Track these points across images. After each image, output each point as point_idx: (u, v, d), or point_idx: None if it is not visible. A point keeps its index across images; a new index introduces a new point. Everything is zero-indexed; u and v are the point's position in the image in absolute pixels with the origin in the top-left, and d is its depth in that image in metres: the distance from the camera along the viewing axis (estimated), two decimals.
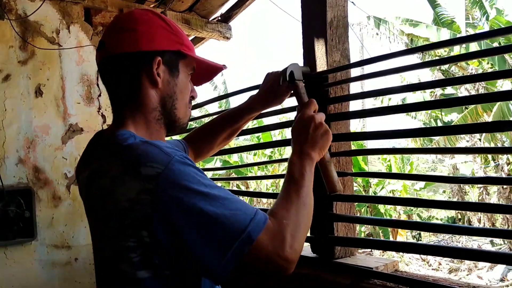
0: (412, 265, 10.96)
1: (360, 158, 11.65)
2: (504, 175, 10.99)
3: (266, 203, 13.96)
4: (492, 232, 1.32)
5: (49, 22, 2.89)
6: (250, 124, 11.91)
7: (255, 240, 0.88)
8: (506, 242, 11.13)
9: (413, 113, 13.23)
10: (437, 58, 10.58)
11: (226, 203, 0.90)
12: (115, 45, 1.03)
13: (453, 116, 12.41)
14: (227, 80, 17.61)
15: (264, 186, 14.56)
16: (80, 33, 3.03)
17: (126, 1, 3.26)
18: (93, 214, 1.04)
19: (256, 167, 13.82)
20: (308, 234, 1.84)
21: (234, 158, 13.97)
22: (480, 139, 11.01)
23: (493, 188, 12.52)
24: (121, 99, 1.08)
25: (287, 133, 13.68)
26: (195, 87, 1.21)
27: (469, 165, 13.25)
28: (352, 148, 1.86)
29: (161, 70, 1.05)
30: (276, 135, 13.70)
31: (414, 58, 12.77)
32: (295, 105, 1.79)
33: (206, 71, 1.22)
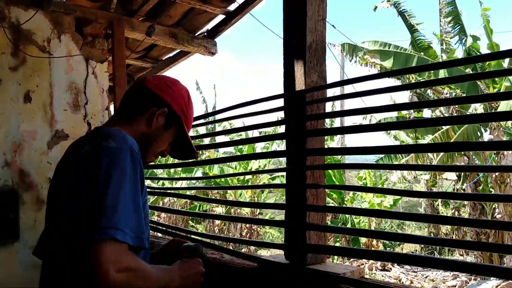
0: None
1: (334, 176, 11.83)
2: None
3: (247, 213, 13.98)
4: (462, 266, 1.45)
5: (41, 31, 2.99)
6: (235, 136, 12.02)
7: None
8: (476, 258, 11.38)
9: (394, 135, 13.58)
10: (412, 82, 10.92)
11: (116, 201, 1.09)
12: (152, 83, 1.45)
13: (428, 139, 12.75)
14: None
15: (244, 199, 14.64)
16: (70, 42, 3.14)
17: (116, 13, 3.39)
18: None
19: (235, 180, 13.93)
20: (282, 242, 1.97)
21: (215, 171, 14.06)
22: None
23: (465, 209, 12.84)
24: (124, 114, 1.43)
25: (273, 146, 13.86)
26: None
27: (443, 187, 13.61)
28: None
29: (160, 118, 1.42)
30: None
31: (392, 81, 13.10)
32: (280, 119, 1.94)
33: (185, 151, 1.59)
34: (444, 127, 10.95)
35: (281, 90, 2.04)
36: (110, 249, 1.03)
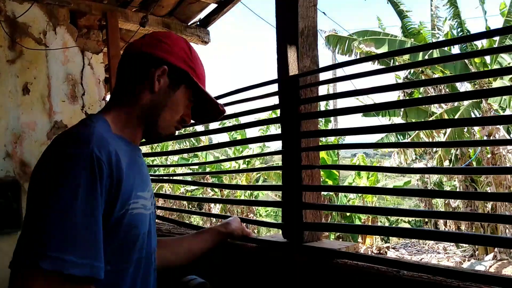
0: None
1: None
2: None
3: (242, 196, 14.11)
4: (457, 236, 1.53)
5: (37, 23, 3.04)
6: (231, 121, 12.12)
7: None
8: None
9: (389, 119, 13.70)
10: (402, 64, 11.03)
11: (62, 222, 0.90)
12: (142, 44, 1.19)
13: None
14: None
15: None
16: (66, 34, 3.18)
17: (110, 5, 3.42)
18: None
19: (229, 166, 14.04)
20: (280, 221, 2.05)
21: (209, 160, 14.14)
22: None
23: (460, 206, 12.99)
24: (121, 90, 1.20)
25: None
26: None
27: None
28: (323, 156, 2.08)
29: (163, 79, 1.17)
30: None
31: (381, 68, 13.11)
32: (275, 104, 2.01)
33: (209, 110, 1.34)
34: (438, 112, 11.05)
35: (273, 76, 2.10)
36: (39, 282, 0.87)
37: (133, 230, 1.09)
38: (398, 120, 13.38)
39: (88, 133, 1.01)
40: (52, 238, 0.88)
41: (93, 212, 0.95)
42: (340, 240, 12.05)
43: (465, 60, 10.40)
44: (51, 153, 1.00)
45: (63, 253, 0.87)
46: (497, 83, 9.69)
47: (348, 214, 13.37)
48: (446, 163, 12.29)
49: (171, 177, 3.12)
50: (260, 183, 16.41)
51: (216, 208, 15.19)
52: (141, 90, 1.16)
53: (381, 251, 12.14)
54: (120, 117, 1.16)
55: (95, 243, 0.94)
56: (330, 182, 14.22)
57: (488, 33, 1.45)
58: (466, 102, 10.58)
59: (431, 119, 11.16)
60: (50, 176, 0.94)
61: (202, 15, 4.05)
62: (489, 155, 10.46)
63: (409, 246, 13.27)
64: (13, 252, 0.91)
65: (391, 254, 12.01)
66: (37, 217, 0.91)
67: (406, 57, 11.20)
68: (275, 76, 2.08)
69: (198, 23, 4.08)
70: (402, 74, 12.07)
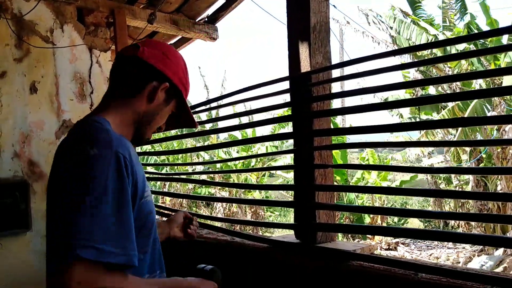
0: None
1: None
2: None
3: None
4: (468, 237, 1.49)
5: (44, 21, 3.01)
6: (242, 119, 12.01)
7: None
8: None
9: (397, 114, 13.56)
10: (411, 62, 10.85)
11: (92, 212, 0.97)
12: (148, 54, 1.27)
13: (432, 117, 12.69)
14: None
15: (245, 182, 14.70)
16: (73, 32, 3.15)
17: (117, 2, 3.39)
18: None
19: (240, 165, 13.97)
20: (292, 222, 2.01)
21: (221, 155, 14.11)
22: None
23: (468, 187, 12.88)
24: (118, 92, 1.27)
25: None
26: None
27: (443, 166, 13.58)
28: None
29: (161, 94, 1.28)
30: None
31: (397, 58, 13.01)
32: (287, 101, 1.96)
33: (183, 120, 1.45)
34: (450, 105, 10.92)
35: (283, 73, 2.05)
36: (79, 272, 0.92)
37: (150, 216, 1.22)
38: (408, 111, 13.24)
39: (106, 134, 1.11)
40: (88, 230, 0.95)
41: (124, 204, 1.04)
42: (349, 236, 11.99)
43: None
44: (73, 155, 1.07)
45: (100, 243, 0.95)
46: (509, 77, 9.56)
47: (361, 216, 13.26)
48: (463, 157, 12.18)
49: (180, 176, 3.09)
50: (266, 177, 16.35)
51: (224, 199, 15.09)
52: (140, 98, 1.26)
53: (391, 247, 12.07)
54: (118, 118, 1.24)
55: (128, 233, 1.03)
56: (338, 178, 14.15)
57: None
58: None
59: (444, 112, 11.04)
60: (78, 176, 1.02)
61: (210, 11, 4.00)
62: (499, 149, 10.34)
63: (419, 242, 13.16)
64: (47, 259, 0.96)
65: (401, 249, 11.92)
66: (70, 213, 0.97)
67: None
68: (285, 68, 2.05)
69: (206, 19, 4.04)
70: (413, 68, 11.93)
